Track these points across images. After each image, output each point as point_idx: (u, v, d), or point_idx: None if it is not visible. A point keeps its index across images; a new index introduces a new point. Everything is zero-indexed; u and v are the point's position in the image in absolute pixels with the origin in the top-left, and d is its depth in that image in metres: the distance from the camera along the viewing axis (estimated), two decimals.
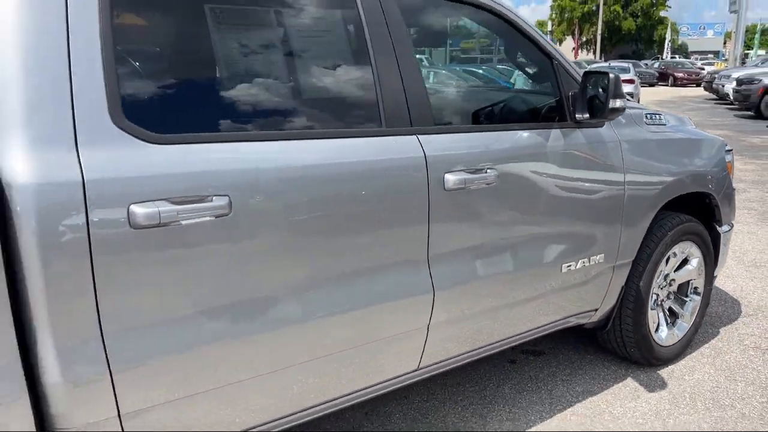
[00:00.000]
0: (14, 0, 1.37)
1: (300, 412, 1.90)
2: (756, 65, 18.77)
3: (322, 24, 2.05)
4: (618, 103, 2.24)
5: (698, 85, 29.54)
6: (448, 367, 2.29)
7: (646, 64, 38.07)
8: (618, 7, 55.76)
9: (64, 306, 1.40)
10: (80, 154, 1.40)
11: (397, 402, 2.73)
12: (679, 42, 68.71)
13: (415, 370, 2.16)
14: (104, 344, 1.45)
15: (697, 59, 50.54)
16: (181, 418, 1.64)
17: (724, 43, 66.76)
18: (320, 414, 1.98)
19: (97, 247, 1.40)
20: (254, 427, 1.82)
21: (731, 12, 29.00)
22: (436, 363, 2.21)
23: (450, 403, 2.73)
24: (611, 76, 2.22)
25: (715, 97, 20.07)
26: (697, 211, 3.09)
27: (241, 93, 1.81)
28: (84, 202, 1.38)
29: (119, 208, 1.42)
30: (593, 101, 2.33)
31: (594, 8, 54.55)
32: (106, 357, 1.46)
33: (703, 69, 33.39)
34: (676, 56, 50.66)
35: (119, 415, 1.51)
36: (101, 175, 1.41)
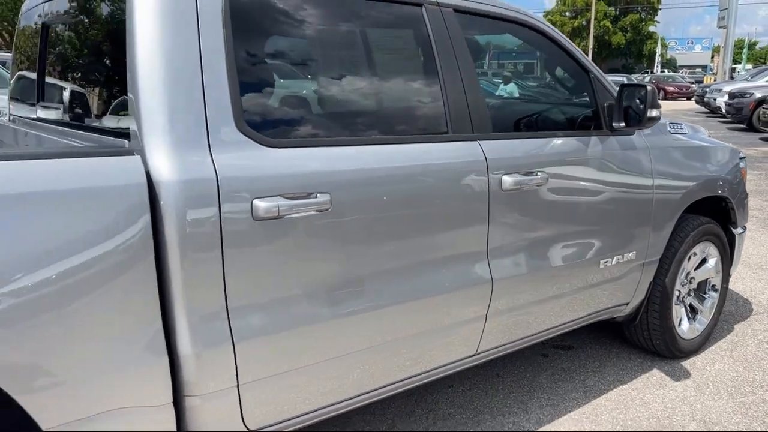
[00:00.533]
0: (158, 27, 1.59)
1: (379, 388, 2.10)
2: (746, 79, 19.16)
3: (401, 45, 2.30)
4: (654, 112, 2.48)
5: (689, 99, 30.11)
6: (500, 353, 2.50)
7: (636, 78, 38.68)
8: (608, 23, 56.55)
9: (198, 286, 1.60)
10: (213, 156, 1.61)
11: (443, 391, 2.93)
12: (668, 56, 69.73)
13: (473, 355, 2.37)
14: (229, 321, 1.66)
15: (685, 72, 51.40)
16: (284, 390, 1.84)
17: (712, 57, 67.88)
18: (393, 393, 2.19)
19: (227, 235, 1.61)
20: (334, 405, 2.01)
21: (719, 27, 29.59)
22: (492, 348, 2.42)
23: (492, 392, 2.94)
24: (649, 88, 2.47)
25: (706, 110, 20.48)
26: (714, 214, 3.33)
27: (338, 104, 2.05)
28: (218, 196, 1.59)
29: (244, 203, 1.64)
30: (628, 111, 2.57)
31: (584, 23, 55.35)
32: (231, 333, 1.66)
33: (693, 84, 34.04)
34: (665, 71, 51.42)
35: (238, 385, 1.71)
36: (230, 173, 1.62)
